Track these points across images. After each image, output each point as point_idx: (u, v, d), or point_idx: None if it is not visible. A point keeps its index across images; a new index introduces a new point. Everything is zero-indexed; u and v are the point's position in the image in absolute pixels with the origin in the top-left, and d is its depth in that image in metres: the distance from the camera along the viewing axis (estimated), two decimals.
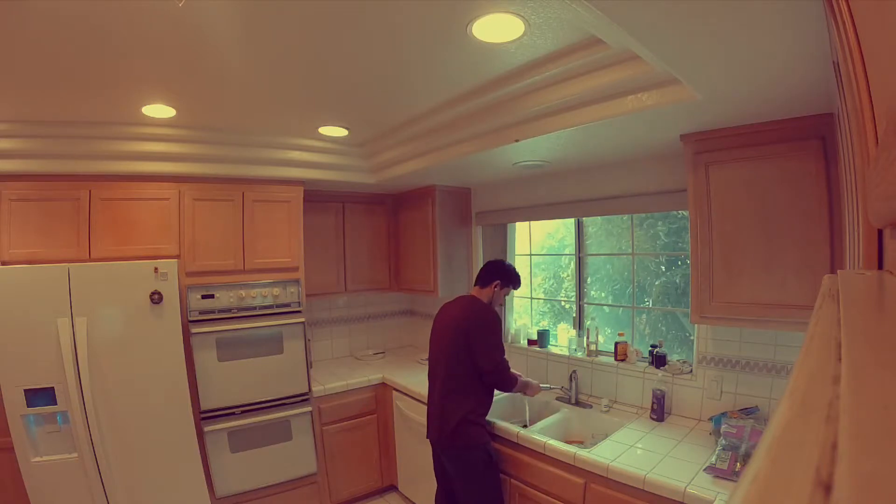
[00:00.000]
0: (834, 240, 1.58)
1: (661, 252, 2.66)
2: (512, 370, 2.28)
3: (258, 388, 2.76)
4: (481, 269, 2.45)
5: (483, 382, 2.22)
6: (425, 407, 2.79)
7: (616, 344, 2.56)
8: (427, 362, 3.47)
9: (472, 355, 2.18)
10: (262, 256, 2.86)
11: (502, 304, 2.44)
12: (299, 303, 2.93)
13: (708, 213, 1.89)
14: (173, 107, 2.17)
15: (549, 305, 3.36)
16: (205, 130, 2.55)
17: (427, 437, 2.35)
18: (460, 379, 2.20)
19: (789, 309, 1.69)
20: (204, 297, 2.65)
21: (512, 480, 2.22)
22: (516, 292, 3.37)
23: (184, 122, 2.42)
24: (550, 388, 2.69)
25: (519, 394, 2.47)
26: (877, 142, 0.41)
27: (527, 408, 2.60)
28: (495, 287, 2.38)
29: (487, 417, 2.29)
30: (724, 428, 1.86)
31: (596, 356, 2.67)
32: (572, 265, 3.06)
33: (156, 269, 2.43)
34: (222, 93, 2.02)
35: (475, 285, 2.43)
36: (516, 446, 2.20)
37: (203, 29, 1.45)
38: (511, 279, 2.42)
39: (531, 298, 3.38)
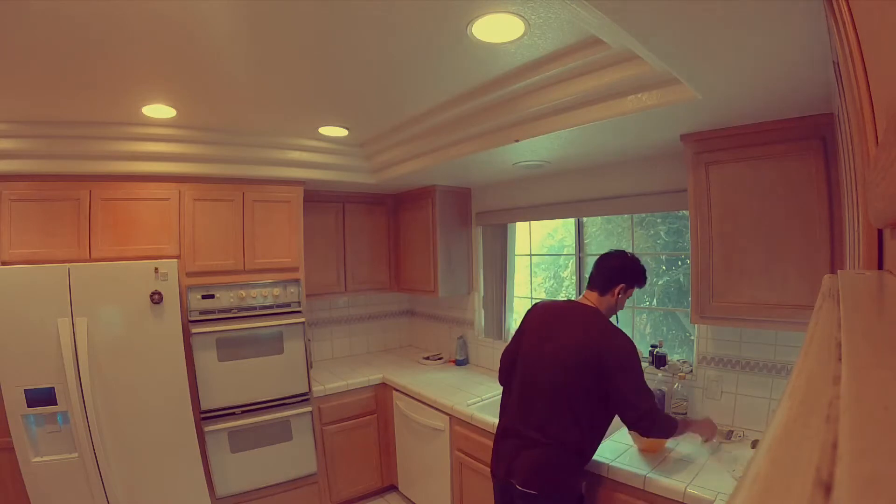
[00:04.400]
0: (834, 240, 1.58)
1: (661, 252, 2.67)
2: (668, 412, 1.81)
3: (258, 388, 2.76)
4: (598, 268, 1.89)
5: (600, 424, 1.75)
6: (426, 407, 2.79)
7: None
8: (428, 362, 3.50)
9: (606, 393, 1.67)
10: (262, 256, 2.86)
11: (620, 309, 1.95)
12: (299, 303, 2.93)
13: (708, 213, 1.88)
14: (173, 107, 2.17)
15: None
16: (205, 130, 2.55)
17: (496, 474, 1.84)
18: (579, 412, 1.69)
19: (789, 309, 1.69)
20: (204, 297, 2.65)
21: None
22: (517, 292, 3.38)
23: (184, 123, 2.42)
24: (731, 432, 2.02)
25: None
26: (877, 142, 0.41)
27: None
28: (619, 293, 1.84)
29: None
30: None
31: None
32: (572, 265, 3.06)
33: (156, 269, 2.43)
34: (222, 93, 2.02)
35: (591, 290, 1.88)
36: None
37: (203, 29, 1.45)
38: (637, 277, 1.87)
39: (531, 298, 3.38)
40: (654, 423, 1.68)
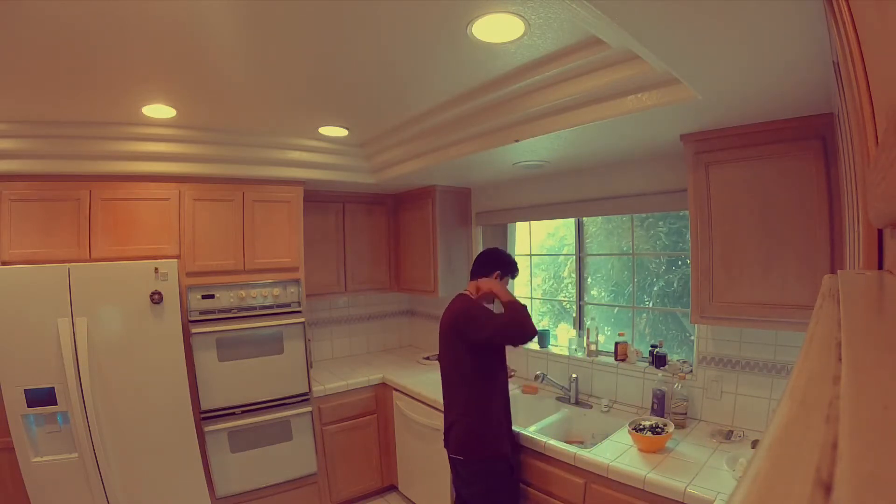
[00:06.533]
0: (834, 240, 1.58)
1: (661, 252, 2.66)
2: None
3: (258, 388, 2.76)
4: (476, 262, 2.26)
5: (500, 386, 2.10)
6: (426, 407, 2.80)
7: (616, 344, 2.56)
8: (428, 362, 3.50)
9: (473, 348, 2.02)
10: (262, 256, 2.86)
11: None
12: (299, 303, 2.93)
13: (708, 213, 1.89)
14: (173, 107, 2.17)
15: (549, 305, 3.36)
16: (205, 130, 2.55)
17: (445, 447, 2.19)
18: (479, 383, 2.05)
19: (789, 309, 1.69)
20: (204, 297, 2.65)
21: None
22: (517, 292, 3.38)
23: (184, 123, 2.42)
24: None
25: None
26: (877, 142, 0.41)
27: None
28: (496, 279, 2.19)
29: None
30: None
31: (596, 356, 2.67)
32: (572, 265, 3.06)
33: (156, 269, 2.43)
34: (222, 93, 2.02)
35: (473, 280, 2.23)
36: (516, 446, 2.20)
37: (203, 30, 1.45)
38: (510, 268, 2.24)
39: (531, 298, 3.38)
40: (513, 330, 1.95)
